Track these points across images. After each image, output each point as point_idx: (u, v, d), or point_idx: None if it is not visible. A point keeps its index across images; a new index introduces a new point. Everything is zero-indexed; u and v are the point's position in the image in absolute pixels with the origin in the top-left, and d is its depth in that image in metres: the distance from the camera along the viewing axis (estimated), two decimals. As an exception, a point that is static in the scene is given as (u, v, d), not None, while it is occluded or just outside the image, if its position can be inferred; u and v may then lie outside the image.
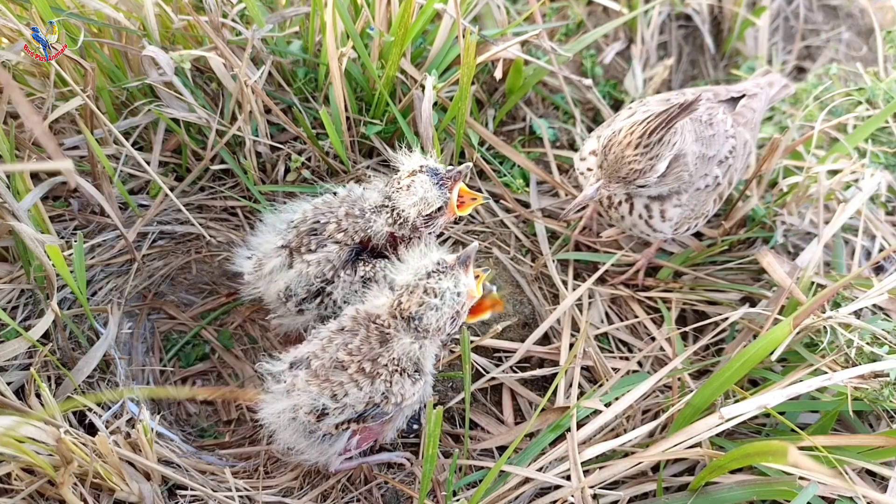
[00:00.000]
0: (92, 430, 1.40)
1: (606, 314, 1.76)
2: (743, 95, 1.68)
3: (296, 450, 1.39)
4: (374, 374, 1.30)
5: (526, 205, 1.89)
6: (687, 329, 1.72)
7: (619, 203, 1.53)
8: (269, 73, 1.74)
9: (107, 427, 1.41)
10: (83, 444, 1.27)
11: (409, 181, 1.40)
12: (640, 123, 1.35)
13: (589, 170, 1.55)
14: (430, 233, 1.46)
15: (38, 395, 1.36)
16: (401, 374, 1.31)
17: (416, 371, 1.34)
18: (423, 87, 1.67)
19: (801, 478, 1.29)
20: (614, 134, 1.38)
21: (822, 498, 1.36)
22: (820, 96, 1.97)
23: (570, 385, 1.58)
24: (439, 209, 1.41)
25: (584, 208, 1.83)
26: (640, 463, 1.39)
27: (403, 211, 1.41)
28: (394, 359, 1.31)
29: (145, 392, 1.57)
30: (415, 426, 1.49)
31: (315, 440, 1.36)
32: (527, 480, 1.41)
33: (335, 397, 1.29)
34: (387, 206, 1.43)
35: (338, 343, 1.33)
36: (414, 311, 1.26)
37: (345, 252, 1.46)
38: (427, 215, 1.41)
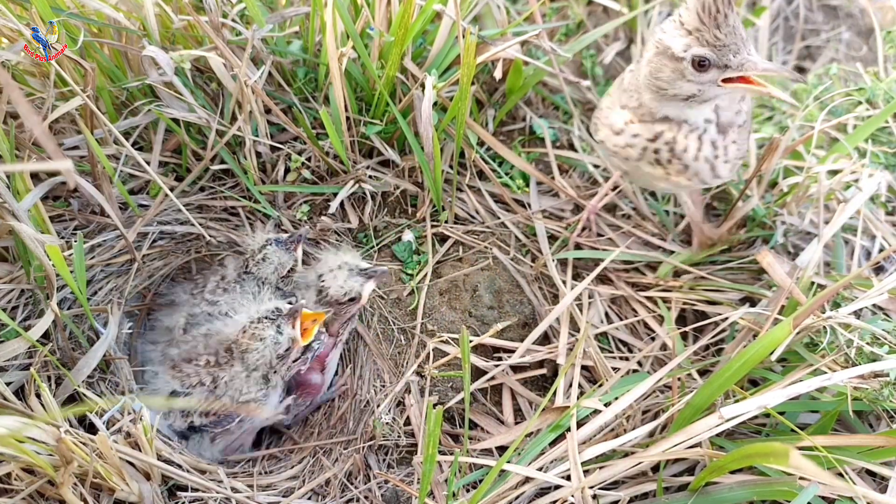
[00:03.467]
0: (92, 429, 1.40)
1: (606, 314, 1.75)
2: None
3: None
4: (220, 365, 1.51)
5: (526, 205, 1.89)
6: (687, 329, 1.72)
7: (685, 150, 1.43)
8: (269, 73, 1.74)
9: (107, 427, 1.41)
10: (83, 444, 1.27)
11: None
12: None
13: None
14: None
15: (37, 395, 1.36)
16: (247, 375, 1.51)
17: (263, 377, 1.51)
18: (423, 86, 1.67)
19: (801, 478, 1.29)
20: None
21: (822, 498, 1.36)
22: (820, 96, 1.96)
23: (570, 385, 1.58)
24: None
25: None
26: (640, 463, 1.39)
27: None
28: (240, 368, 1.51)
29: (144, 395, 1.57)
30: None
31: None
32: (527, 480, 1.41)
33: (183, 384, 1.52)
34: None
35: (199, 335, 1.56)
36: (243, 349, 1.47)
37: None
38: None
